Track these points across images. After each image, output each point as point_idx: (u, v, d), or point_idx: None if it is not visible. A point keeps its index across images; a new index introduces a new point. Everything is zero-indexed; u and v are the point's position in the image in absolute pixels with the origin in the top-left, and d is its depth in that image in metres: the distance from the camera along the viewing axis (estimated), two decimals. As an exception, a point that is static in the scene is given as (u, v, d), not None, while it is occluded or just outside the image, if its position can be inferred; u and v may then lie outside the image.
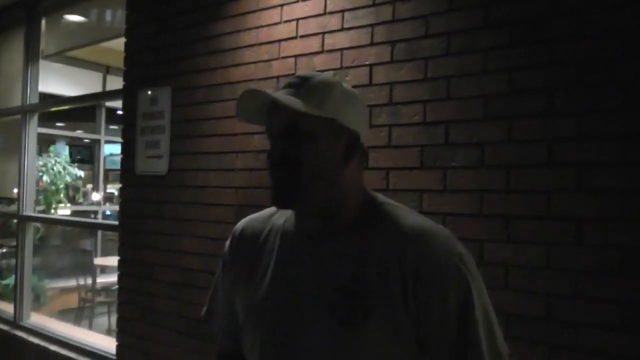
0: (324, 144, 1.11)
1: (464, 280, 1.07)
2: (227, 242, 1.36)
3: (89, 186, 9.80)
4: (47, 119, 7.57)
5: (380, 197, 1.21)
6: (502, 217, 2.00)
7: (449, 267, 1.07)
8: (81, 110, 8.24)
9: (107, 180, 9.91)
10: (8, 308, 4.79)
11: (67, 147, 10.49)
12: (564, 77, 1.90)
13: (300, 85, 1.13)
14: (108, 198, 10.08)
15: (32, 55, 4.71)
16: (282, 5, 2.71)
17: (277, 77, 2.70)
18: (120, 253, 3.49)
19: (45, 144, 8.94)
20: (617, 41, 1.82)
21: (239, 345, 1.30)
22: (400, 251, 1.08)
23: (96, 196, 9.11)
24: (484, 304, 1.09)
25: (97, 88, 7.72)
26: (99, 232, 7.97)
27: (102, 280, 7.26)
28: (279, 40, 2.71)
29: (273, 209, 1.30)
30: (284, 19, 2.70)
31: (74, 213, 8.60)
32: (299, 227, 1.21)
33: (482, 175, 2.06)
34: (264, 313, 1.19)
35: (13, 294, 4.72)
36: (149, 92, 3.31)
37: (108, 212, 9.40)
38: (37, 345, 4.17)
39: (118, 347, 3.44)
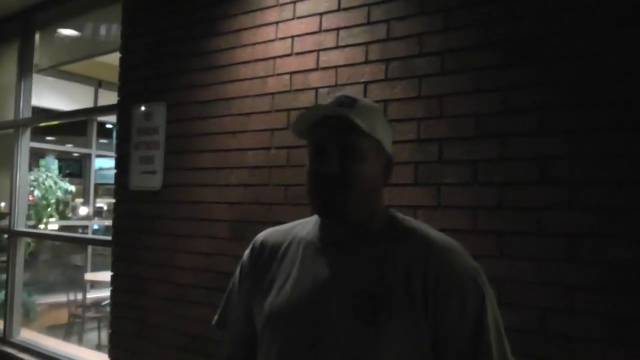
0: (372, 164, 1.20)
1: (480, 292, 1.16)
2: (247, 252, 1.42)
3: (79, 200, 9.75)
4: (37, 133, 7.56)
5: (400, 214, 1.31)
6: (495, 233, 2.03)
7: (467, 278, 1.16)
8: (71, 124, 8.26)
9: (97, 195, 9.87)
10: (-1, 324, 4.75)
11: (56, 161, 10.45)
12: (556, 96, 1.95)
13: (353, 105, 1.20)
14: (97, 212, 10.04)
15: (25, 69, 4.71)
16: (277, 23, 2.74)
17: (273, 93, 2.73)
18: (114, 268, 3.48)
19: (35, 158, 8.92)
20: (608, 61, 1.87)
21: (250, 354, 1.34)
22: (423, 260, 1.17)
23: (84, 210, 9.06)
24: (496, 316, 1.18)
25: (89, 102, 7.73)
26: (89, 248, 7.92)
27: (92, 295, 7.22)
28: (275, 57, 2.74)
29: (294, 222, 1.40)
30: (280, 36, 2.73)
31: (62, 228, 8.56)
32: (326, 238, 1.28)
33: (475, 192, 2.09)
34: (286, 316, 1.23)
35: (3, 310, 4.68)
36: (144, 108, 3.33)
37: (96, 227, 9.35)
38: (27, 362, 4.14)
39: (110, 362, 3.42)
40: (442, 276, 1.15)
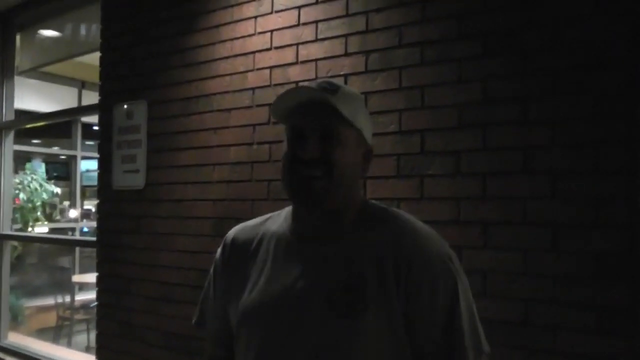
0: (352, 152, 1.18)
1: (452, 278, 1.14)
2: (219, 251, 1.40)
3: (66, 203, 9.68)
4: (23, 136, 7.48)
5: (374, 201, 1.30)
6: (479, 223, 2.02)
7: (439, 264, 1.15)
8: (57, 127, 8.17)
9: (84, 197, 9.79)
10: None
11: (43, 164, 10.36)
12: (537, 86, 1.93)
13: (336, 92, 1.18)
14: (85, 215, 9.97)
15: (6, 72, 4.65)
16: (256, 17, 2.71)
17: (253, 88, 2.70)
18: (99, 269, 3.44)
19: (21, 161, 8.83)
20: (588, 51, 1.85)
21: (228, 353, 1.32)
22: (395, 246, 1.15)
23: (74, 213, 9.00)
24: (469, 303, 1.16)
25: (73, 103, 7.67)
26: (77, 250, 7.86)
27: (80, 297, 7.16)
28: (254, 52, 2.71)
29: (264, 216, 1.38)
30: (258, 30, 2.70)
31: (52, 231, 8.49)
32: (298, 229, 1.25)
33: (458, 182, 2.07)
34: (261, 311, 1.21)
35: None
36: (125, 106, 3.29)
37: (85, 229, 9.29)
38: (15, 365, 4.11)
39: (97, 364, 3.39)
40: (414, 262, 1.13)
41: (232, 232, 1.39)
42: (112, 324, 3.30)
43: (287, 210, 1.32)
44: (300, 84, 2.52)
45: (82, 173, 9.07)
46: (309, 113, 1.17)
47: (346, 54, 2.39)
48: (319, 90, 1.18)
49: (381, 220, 1.22)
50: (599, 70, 1.83)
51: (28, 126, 5.31)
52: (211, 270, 1.42)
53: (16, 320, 6.40)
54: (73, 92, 7.83)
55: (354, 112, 1.17)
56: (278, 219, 1.33)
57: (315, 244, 1.21)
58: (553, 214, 1.87)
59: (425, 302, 1.12)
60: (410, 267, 1.12)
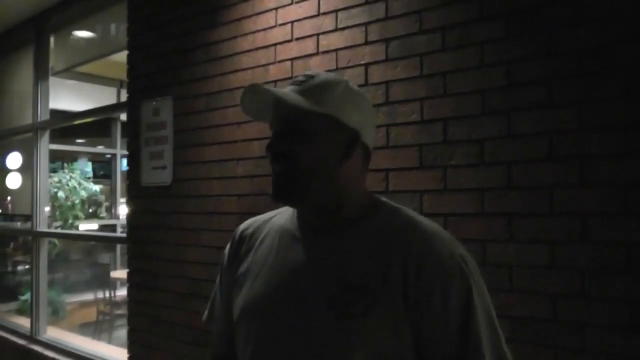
0: (322, 141, 1.11)
1: (466, 281, 1.06)
2: (227, 246, 1.36)
3: (121, 200, 9.84)
4: (68, 136, 7.64)
5: (383, 198, 1.22)
6: (504, 215, 1.93)
7: (451, 267, 1.06)
8: (99, 126, 8.32)
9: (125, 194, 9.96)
10: (26, 322, 4.83)
11: (89, 164, 10.59)
12: (563, 66, 1.83)
13: (303, 82, 1.14)
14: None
15: (41, 73, 4.75)
16: (276, 9, 2.67)
17: (275, 81, 2.66)
18: (129, 265, 3.47)
19: (68, 161, 9.04)
20: (615, 26, 1.74)
21: (232, 351, 1.28)
22: (404, 249, 1.07)
23: (123, 210, 9.12)
24: (486, 307, 1.07)
25: (112, 103, 7.77)
26: (118, 246, 8.00)
27: (122, 293, 7.28)
28: (275, 44, 2.67)
29: (275, 211, 1.33)
30: (279, 22, 2.66)
31: (101, 228, 8.62)
32: (301, 225, 1.21)
33: (482, 172, 1.99)
34: (260, 306, 1.17)
35: (30, 309, 4.76)
36: (151, 103, 3.29)
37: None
38: (53, 359, 4.19)
39: (129, 358, 3.41)
40: (423, 266, 1.05)
41: (241, 227, 1.36)
42: (142, 320, 3.32)
43: None
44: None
45: (122, 171, 9.20)
46: (274, 109, 1.15)
47: (366, 43, 2.33)
48: (290, 84, 1.16)
49: (388, 218, 1.15)
50: (628, 47, 1.72)
51: (66, 125, 5.39)
52: (219, 266, 1.38)
53: (57, 315, 6.54)
54: (112, 91, 7.94)
55: (322, 99, 1.10)
56: (286, 214, 1.28)
57: (317, 240, 1.16)
58: (581, 203, 1.77)
59: (437, 307, 1.04)
60: (420, 270, 1.04)
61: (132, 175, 3.44)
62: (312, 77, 1.15)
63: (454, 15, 2.08)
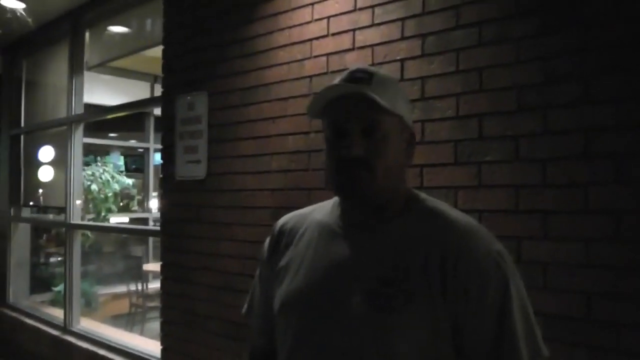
0: (395, 142, 1.14)
1: (504, 278, 1.07)
2: (267, 239, 1.38)
3: (153, 194, 9.96)
4: (101, 130, 7.76)
5: (422, 194, 1.23)
6: (539, 212, 1.91)
7: (489, 262, 1.07)
8: (132, 120, 8.43)
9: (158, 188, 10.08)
10: (59, 314, 4.94)
11: (122, 157, 10.73)
12: (600, 62, 1.81)
13: (371, 80, 1.13)
14: (161, 205, 10.23)
15: (76, 67, 4.84)
16: (313, 4, 2.68)
17: (310, 76, 2.67)
18: (163, 258, 3.52)
19: (101, 154, 9.18)
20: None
21: (271, 343, 1.30)
22: (442, 243, 1.09)
23: (154, 204, 9.24)
24: (523, 303, 1.09)
25: (146, 97, 7.88)
26: (151, 239, 8.10)
27: (153, 285, 7.38)
28: (311, 39, 2.69)
29: (313, 206, 1.35)
30: (315, 17, 2.67)
31: (132, 221, 8.73)
32: (344, 220, 1.22)
33: (517, 169, 1.98)
34: (300, 300, 1.19)
35: (63, 300, 4.85)
36: (187, 98, 3.34)
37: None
38: (86, 350, 4.28)
39: (162, 350, 3.47)
40: (461, 262, 1.07)
41: (280, 221, 1.37)
42: (175, 313, 3.37)
43: (334, 200, 1.29)
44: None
45: (156, 165, 9.31)
46: (347, 108, 1.12)
47: (402, 38, 2.33)
48: (352, 82, 1.13)
49: (428, 214, 1.16)
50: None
51: (100, 119, 5.49)
52: (259, 260, 1.40)
53: (89, 307, 6.65)
54: (146, 86, 8.05)
55: (393, 99, 1.11)
56: (324, 209, 1.30)
57: (358, 235, 1.18)
58: (616, 201, 1.75)
59: (475, 302, 1.05)
60: (457, 267, 1.06)
61: (166, 169, 3.49)
62: (372, 74, 1.14)
63: (490, 11, 2.06)
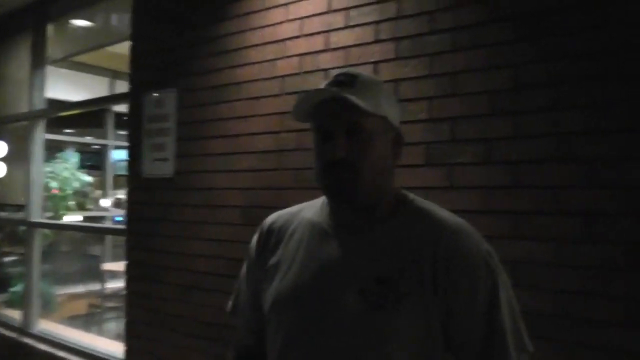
0: (380, 142, 1.16)
1: (492, 275, 1.12)
2: (254, 237, 1.39)
3: (99, 192, 9.79)
4: (56, 125, 7.59)
5: (411, 194, 1.26)
6: (510, 213, 1.98)
7: (478, 260, 1.13)
8: (90, 116, 8.28)
9: (116, 186, 9.91)
10: (17, 315, 4.79)
11: (76, 154, 10.50)
12: (571, 70, 1.88)
13: (353, 83, 1.16)
14: (118, 203, 10.08)
15: (38, 61, 4.73)
16: (287, 4, 2.70)
17: (283, 76, 2.69)
18: (128, 257, 3.48)
19: (54, 151, 8.95)
20: (624, 32, 1.80)
21: (258, 341, 1.32)
22: (434, 242, 1.13)
23: (105, 202, 9.09)
24: (510, 300, 1.14)
25: (104, 93, 7.72)
26: (109, 238, 7.96)
27: (112, 285, 7.25)
28: (284, 40, 2.70)
29: (300, 205, 1.37)
30: (289, 17, 2.69)
31: (87, 219, 8.55)
32: (334, 219, 1.24)
33: (488, 171, 2.04)
34: (292, 298, 1.20)
35: (22, 301, 4.72)
36: (155, 95, 3.31)
37: (118, 218, 9.36)
38: (45, 352, 4.17)
39: (126, 351, 3.42)
40: (453, 260, 1.11)
41: (269, 219, 1.38)
42: (141, 312, 3.33)
43: (323, 199, 1.31)
44: (330, 71, 2.50)
45: (114, 162, 9.15)
46: (331, 111, 1.15)
47: (377, 41, 2.37)
48: (335, 86, 1.16)
49: (418, 214, 1.20)
50: (633, 51, 1.77)
51: (61, 114, 5.37)
52: (246, 258, 1.41)
53: (48, 308, 6.49)
54: (105, 81, 7.91)
55: (376, 101, 1.14)
56: (314, 208, 1.32)
57: (349, 234, 1.20)
58: (587, 202, 1.82)
59: (465, 299, 1.10)
60: (449, 264, 1.10)
61: (133, 166, 3.45)
62: (356, 76, 1.18)
63: (465, 17, 2.12)
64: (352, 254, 1.17)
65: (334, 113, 1.14)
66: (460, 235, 1.15)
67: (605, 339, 1.76)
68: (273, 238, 1.32)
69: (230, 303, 1.45)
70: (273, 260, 1.29)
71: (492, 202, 2.02)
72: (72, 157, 8.82)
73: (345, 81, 1.16)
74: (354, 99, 1.10)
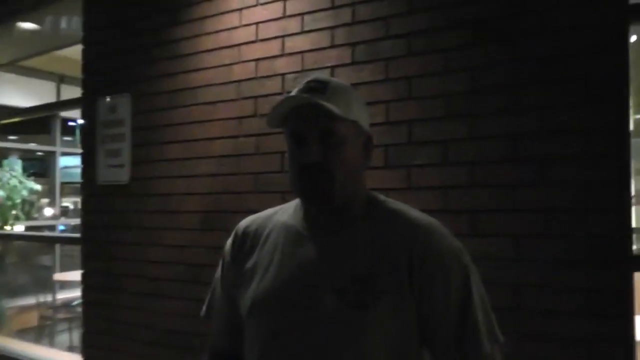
0: (352, 146, 1.20)
1: (464, 270, 1.18)
2: (229, 241, 1.40)
3: (44, 200, 9.52)
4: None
5: (381, 196, 1.30)
6: (467, 212, 2.04)
7: (451, 257, 1.18)
8: (35, 122, 8.03)
9: (62, 194, 9.66)
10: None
11: (19, 161, 10.18)
12: (525, 73, 1.96)
13: (325, 89, 1.19)
14: (63, 212, 9.82)
15: (-18, 66, 4.59)
16: (241, 9, 2.71)
17: (239, 81, 2.69)
18: (84, 266, 3.40)
19: (-1, 158, 8.68)
20: (576, 37, 1.89)
21: (233, 345, 1.34)
22: (408, 241, 1.17)
23: (49, 211, 8.84)
24: (481, 293, 1.19)
25: (51, 98, 7.55)
26: (57, 247, 7.76)
27: (62, 296, 7.08)
28: (239, 44, 2.71)
29: (274, 208, 1.39)
30: (244, 22, 2.70)
31: (29, 229, 8.32)
32: (308, 221, 1.26)
33: (446, 172, 2.10)
34: (271, 300, 1.22)
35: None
36: (108, 100, 3.26)
37: (62, 227, 9.12)
38: (-3, 367, 4.05)
39: (84, 361, 3.36)
40: (427, 257, 1.15)
41: (243, 223, 1.40)
42: (99, 322, 3.27)
43: (296, 202, 1.33)
44: (287, 76, 2.53)
45: (60, 169, 8.91)
46: (304, 116, 1.18)
47: (332, 46, 2.40)
48: (307, 92, 1.19)
49: (391, 214, 1.24)
50: (588, 56, 1.87)
51: (5, 122, 5.22)
52: (220, 262, 1.42)
53: (-1, 322, 6.30)
54: (51, 86, 7.72)
55: (347, 105, 1.18)
56: (288, 211, 1.34)
57: (325, 235, 1.23)
58: (543, 200, 1.91)
59: (440, 295, 1.15)
60: (423, 261, 1.15)
61: (87, 173, 3.38)
62: (327, 83, 1.21)
63: (420, 22, 2.18)
64: (328, 255, 1.20)
65: (307, 119, 1.17)
66: (433, 235, 1.19)
67: (563, 330, 1.85)
68: (248, 242, 1.34)
69: (204, 307, 1.45)
70: (249, 264, 1.30)
71: (450, 201, 2.09)
72: (15, 164, 8.56)
73: (317, 87, 1.19)
74: (327, 105, 1.13)
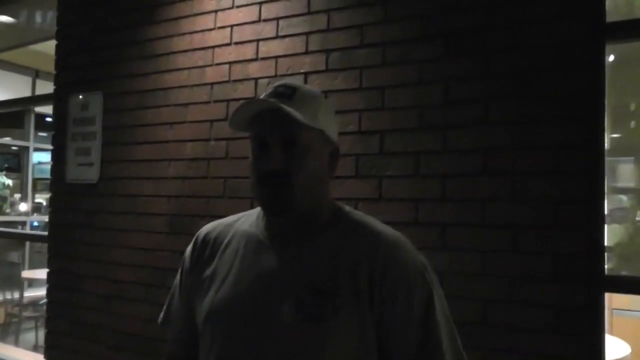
0: (316, 156, 1.16)
1: (428, 287, 1.13)
2: (189, 247, 1.36)
3: (17, 196, 9.37)
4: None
5: (347, 207, 1.27)
6: (437, 225, 2.02)
7: (414, 273, 1.14)
8: (9, 116, 7.92)
9: (35, 190, 9.51)
10: None
11: (-10, 156, 10.01)
12: (499, 87, 1.95)
13: (292, 96, 1.15)
14: (36, 208, 9.67)
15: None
16: (216, 12, 2.67)
17: (211, 84, 2.66)
18: (50, 265, 3.34)
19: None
20: (550, 53, 1.88)
21: (189, 353, 1.30)
22: (370, 254, 1.13)
23: (24, 206, 8.70)
24: (445, 311, 1.16)
25: (26, 93, 7.42)
26: (27, 244, 7.63)
27: (29, 294, 6.95)
28: (213, 47, 2.67)
29: (237, 215, 1.36)
30: (218, 25, 2.66)
31: (0, 224, 8.18)
32: (270, 230, 1.23)
33: (417, 184, 2.08)
34: (228, 309, 1.18)
35: None
36: (80, 97, 3.20)
37: (35, 224, 8.98)
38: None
39: (46, 363, 3.29)
40: (389, 271, 1.11)
41: (204, 229, 1.36)
42: (62, 323, 3.20)
43: (259, 209, 1.29)
44: (260, 80, 2.49)
45: (34, 165, 8.78)
46: (269, 122, 1.14)
47: (307, 52, 2.38)
48: (274, 96, 1.16)
49: (355, 225, 1.20)
50: (563, 73, 1.86)
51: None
52: (180, 269, 1.38)
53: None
54: (26, 80, 7.59)
55: (313, 114, 1.14)
56: (250, 219, 1.30)
57: (285, 245, 1.20)
58: (513, 216, 1.89)
59: (402, 312, 1.11)
60: (385, 277, 1.11)
61: (56, 171, 3.33)
62: (296, 89, 1.17)
63: (395, 32, 2.16)
64: (288, 265, 1.17)
65: (271, 124, 1.14)
66: (396, 248, 1.16)
67: (530, 345, 1.83)
68: (208, 249, 1.30)
69: (162, 314, 1.41)
70: (208, 272, 1.26)
71: (420, 214, 2.07)
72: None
73: (285, 93, 1.16)
74: (291, 111, 1.10)
